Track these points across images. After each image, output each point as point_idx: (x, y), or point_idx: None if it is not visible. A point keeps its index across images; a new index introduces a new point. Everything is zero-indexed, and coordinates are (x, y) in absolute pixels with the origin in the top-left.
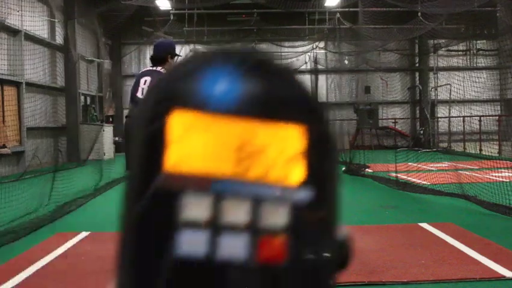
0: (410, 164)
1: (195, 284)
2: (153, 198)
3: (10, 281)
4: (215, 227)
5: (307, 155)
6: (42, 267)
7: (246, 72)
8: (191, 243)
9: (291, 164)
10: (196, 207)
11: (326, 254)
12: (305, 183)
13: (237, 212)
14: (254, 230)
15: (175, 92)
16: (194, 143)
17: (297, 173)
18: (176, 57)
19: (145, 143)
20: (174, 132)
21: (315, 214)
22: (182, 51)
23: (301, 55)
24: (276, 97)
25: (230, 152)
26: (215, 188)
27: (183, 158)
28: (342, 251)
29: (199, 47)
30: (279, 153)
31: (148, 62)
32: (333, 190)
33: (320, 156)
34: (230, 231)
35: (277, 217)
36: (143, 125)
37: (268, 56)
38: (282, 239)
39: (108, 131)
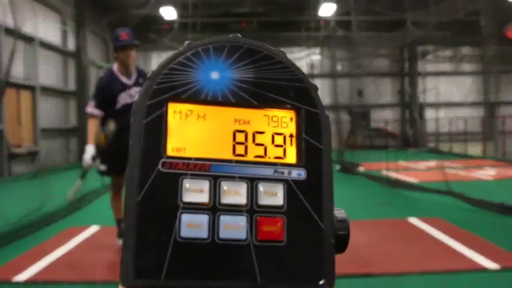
0: (400, 162)
1: (198, 263)
2: (155, 182)
3: (24, 272)
4: (215, 208)
5: (301, 135)
6: (55, 260)
7: (238, 60)
8: (193, 225)
9: (286, 145)
10: (196, 190)
11: (325, 231)
12: (300, 163)
13: (236, 193)
14: (253, 209)
15: (170, 84)
16: (192, 130)
17: (292, 153)
18: (119, 50)
19: (145, 131)
20: (172, 122)
21: (311, 191)
22: None
23: (298, 61)
24: (268, 82)
25: (227, 138)
26: (214, 170)
27: (182, 144)
28: (340, 231)
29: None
30: (274, 135)
31: (153, 66)
32: (328, 169)
33: (314, 136)
34: (230, 211)
35: (275, 196)
36: (141, 117)
37: (258, 43)
38: (281, 217)
39: None
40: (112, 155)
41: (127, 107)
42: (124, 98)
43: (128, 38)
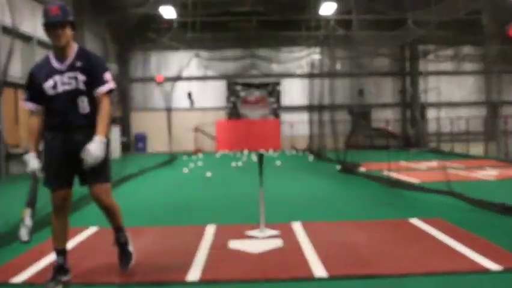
0: (401, 162)
1: None
2: None
3: (21, 274)
4: None
5: None
6: (52, 261)
7: None
8: None
9: None
10: None
11: None
12: None
13: None
14: None
15: None
16: None
17: None
18: (46, 29)
19: None
20: None
21: None
22: (187, 56)
23: (298, 60)
24: None
25: None
26: None
27: None
28: None
29: (202, 53)
30: None
31: (152, 66)
32: None
33: None
34: None
35: None
36: None
37: None
38: None
39: (115, 132)
40: (48, 162)
41: (59, 97)
42: (52, 87)
43: (54, 14)
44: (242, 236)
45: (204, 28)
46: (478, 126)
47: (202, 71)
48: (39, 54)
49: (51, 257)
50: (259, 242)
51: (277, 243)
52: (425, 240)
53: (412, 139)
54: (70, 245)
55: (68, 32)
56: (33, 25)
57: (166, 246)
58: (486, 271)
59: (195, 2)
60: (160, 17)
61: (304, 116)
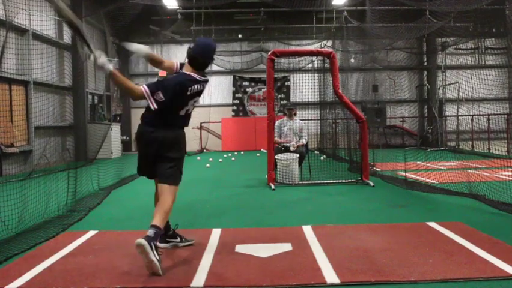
0: (418, 162)
1: None
2: None
3: (19, 279)
4: None
5: None
6: (51, 265)
7: None
8: None
9: None
10: None
11: None
12: None
13: None
14: None
15: None
16: None
17: None
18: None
19: None
20: None
21: None
22: None
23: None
24: None
25: None
26: None
27: None
28: None
29: None
30: None
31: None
32: None
33: None
34: None
35: None
36: None
37: None
38: None
39: (116, 130)
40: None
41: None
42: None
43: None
44: (249, 239)
45: (208, 20)
46: (501, 124)
47: None
48: (35, 49)
49: (48, 262)
50: (267, 246)
51: (286, 247)
52: (444, 244)
53: (430, 137)
54: (69, 249)
55: None
56: (28, 17)
57: (170, 250)
58: (509, 277)
59: None
60: (162, 8)
61: (315, 113)
